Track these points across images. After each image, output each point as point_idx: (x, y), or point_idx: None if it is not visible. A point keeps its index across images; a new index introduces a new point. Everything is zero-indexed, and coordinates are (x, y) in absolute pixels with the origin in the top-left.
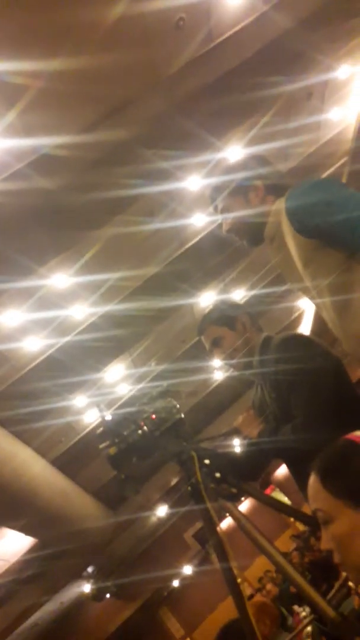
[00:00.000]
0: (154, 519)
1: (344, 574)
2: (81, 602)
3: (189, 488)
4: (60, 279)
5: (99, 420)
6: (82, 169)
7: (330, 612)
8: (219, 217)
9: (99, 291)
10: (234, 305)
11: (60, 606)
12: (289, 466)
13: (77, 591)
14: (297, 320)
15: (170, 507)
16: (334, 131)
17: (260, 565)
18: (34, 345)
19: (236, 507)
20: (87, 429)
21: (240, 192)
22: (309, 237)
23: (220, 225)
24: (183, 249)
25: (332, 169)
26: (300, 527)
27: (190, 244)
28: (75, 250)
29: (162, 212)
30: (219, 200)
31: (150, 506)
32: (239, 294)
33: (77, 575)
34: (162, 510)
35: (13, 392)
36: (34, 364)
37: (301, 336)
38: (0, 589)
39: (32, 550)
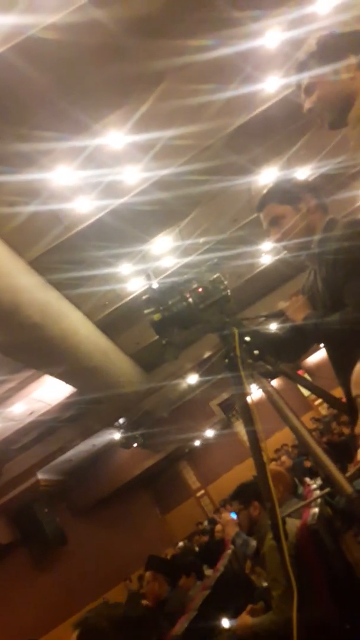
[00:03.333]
0: (184, 385)
1: (358, 457)
2: (111, 447)
3: (227, 361)
4: (115, 137)
5: (146, 287)
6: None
7: (348, 488)
8: (296, 84)
9: (152, 151)
10: (300, 184)
11: (92, 448)
12: (329, 352)
13: (108, 438)
14: (358, 211)
15: (201, 376)
16: None
17: (278, 439)
18: (85, 206)
19: (269, 383)
20: (131, 296)
21: (329, 65)
22: None
23: (294, 93)
24: (249, 116)
25: None
26: (322, 411)
27: (258, 110)
28: (132, 106)
29: (231, 72)
30: (305, 76)
31: (182, 374)
32: (302, 174)
33: (110, 424)
34: (193, 379)
35: (66, 258)
36: (84, 224)
37: None
38: (42, 426)
39: (70, 396)
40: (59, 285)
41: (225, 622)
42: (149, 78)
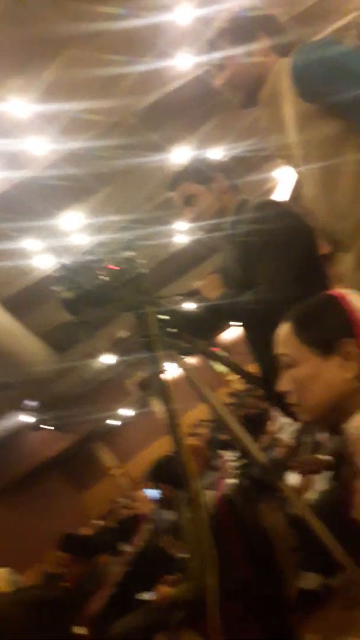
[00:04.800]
0: (99, 365)
1: (270, 428)
2: (21, 430)
3: (143, 340)
4: (19, 104)
5: (57, 265)
6: None
7: (262, 457)
8: (208, 62)
9: (60, 122)
10: (213, 164)
11: (1, 432)
12: (244, 329)
13: (17, 420)
14: (269, 193)
15: (117, 355)
16: None
17: (194, 415)
18: None
19: (186, 361)
20: (39, 274)
21: (240, 46)
22: (311, 102)
23: (207, 72)
24: (161, 93)
25: (346, 19)
26: (236, 386)
27: (171, 87)
28: (35, 72)
29: (143, 46)
30: (217, 53)
31: (97, 354)
32: (215, 154)
33: (20, 408)
34: (108, 358)
35: None
36: None
37: (281, 202)
38: None
39: None
40: None
41: (144, 595)
42: (52, 43)
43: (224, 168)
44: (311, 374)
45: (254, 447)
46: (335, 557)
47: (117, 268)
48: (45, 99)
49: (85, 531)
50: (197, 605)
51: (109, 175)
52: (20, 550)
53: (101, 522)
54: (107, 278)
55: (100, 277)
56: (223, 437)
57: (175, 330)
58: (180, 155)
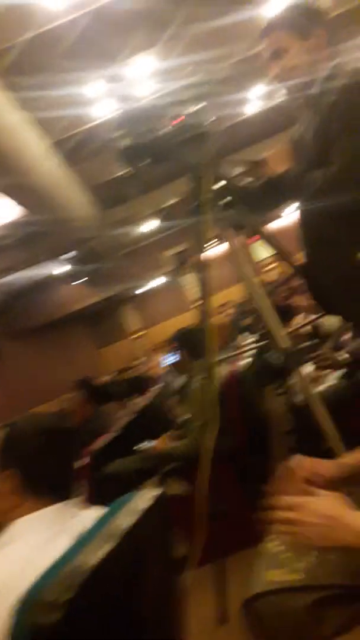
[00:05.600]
0: (140, 230)
1: (297, 319)
2: (56, 279)
3: (194, 205)
4: None
5: (119, 110)
6: None
7: (285, 342)
8: None
9: None
10: (315, 13)
11: (36, 275)
12: (302, 211)
13: (54, 269)
14: None
15: (162, 222)
16: None
17: (224, 295)
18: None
19: (234, 235)
20: (98, 121)
21: None
22: None
23: None
24: None
25: None
26: (270, 277)
27: None
28: None
29: None
30: None
31: (139, 219)
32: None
33: (57, 256)
34: (151, 224)
35: (29, 64)
36: (56, 23)
37: None
38: None
39: (20, 220)
40: (21, 101)
41: (144, 444)
42: None
43: (326, 22)
44: None
45: (279, 331)
46: (329, 443)
47: (182, 119)
48: None
49: (101, 381)
50: (190, 460)
51: (191, 14)
52: (38, 388)
53: (118, 375)
54: (170, 130)
55: (163, 129)
56: (246, 321)
57: (230, 199)
58: (276, 3)
